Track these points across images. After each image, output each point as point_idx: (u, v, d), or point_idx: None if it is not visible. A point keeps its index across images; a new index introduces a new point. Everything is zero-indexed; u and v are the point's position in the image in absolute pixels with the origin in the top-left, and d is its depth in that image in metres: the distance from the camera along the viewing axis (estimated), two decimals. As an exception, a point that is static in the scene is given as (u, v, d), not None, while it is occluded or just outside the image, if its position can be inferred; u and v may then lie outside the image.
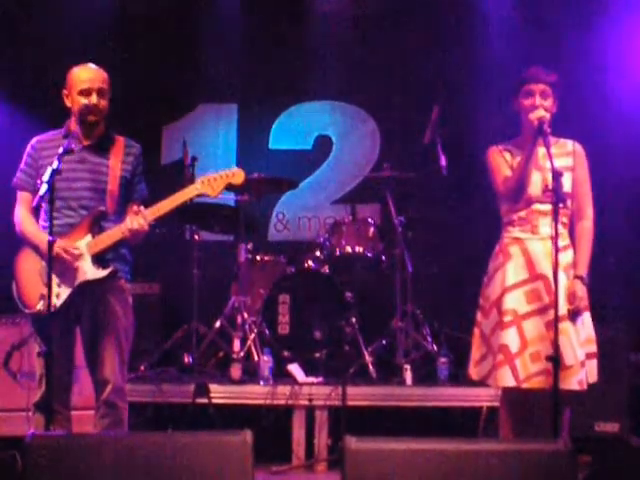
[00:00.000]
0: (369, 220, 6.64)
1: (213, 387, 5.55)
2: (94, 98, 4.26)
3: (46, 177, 3.86)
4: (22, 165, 4.35)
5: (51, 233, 3.92)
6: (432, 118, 6.29)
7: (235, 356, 5.85)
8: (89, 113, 4.26)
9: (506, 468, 3.32)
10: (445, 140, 6.28)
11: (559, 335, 3.88)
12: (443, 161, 6.15)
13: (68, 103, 4.33)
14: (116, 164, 4.31)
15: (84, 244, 4.18)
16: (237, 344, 5.92)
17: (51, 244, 3.88)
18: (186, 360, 6.15)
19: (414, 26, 7.54)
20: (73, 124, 4.33)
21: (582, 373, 4.08)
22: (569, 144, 4.34)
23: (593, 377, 4.20)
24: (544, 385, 4.04)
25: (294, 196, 7.61)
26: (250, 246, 6.63)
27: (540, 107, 4.16)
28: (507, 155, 4.32)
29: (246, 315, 6.26)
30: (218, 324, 6.37)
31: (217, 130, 7.99)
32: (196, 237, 6.57)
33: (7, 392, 5.29)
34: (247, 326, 6.21)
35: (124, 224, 4.19)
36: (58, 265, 4.09)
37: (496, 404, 4.73)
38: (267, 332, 6.16)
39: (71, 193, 4.20)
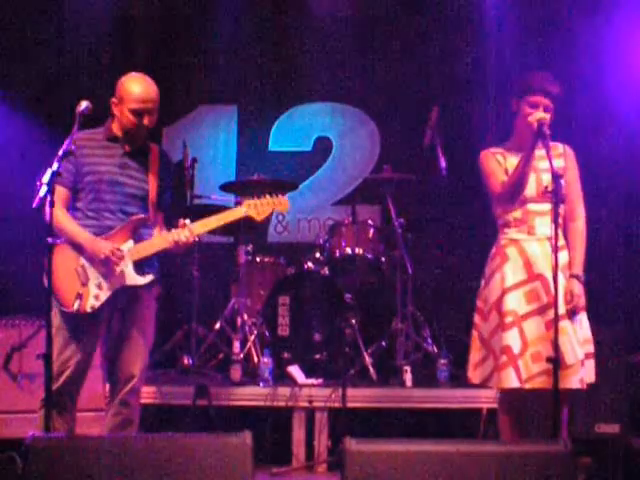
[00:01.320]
0: (369, 222, 6.64)
1: (213, 389, 5.55)
2: (146, 119, 4.26)
3: (46, 179, 3.84)
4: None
5: (51, 235, 3.87)
6: (432, 120, 6.28)
7: (235, 358, 5.85)
8: (140, 132, 4.28)
9: (506, 470, 3.32)
10: (445, 142, 6.28)
11: (559, 334, 3.89)
12: (443, 163, 6.14)
13: (116, 112, 4.30)
14: (154, 174, 4.35)
15: (126, 249, 4.20)
16: (237, 346, 5.92)
17: (51, 247, 3.85)
18: (186, 362, 6.15)
19: (414, 28, 7.55)
20: (117, 129, 4.32)
21: (582, 372, 4.10)
22: (559, 146, 4.36)
23: (591, 377, 4.21)
24: (546, 385, 4.04)
25: (294, 198, 7.55)
26: (250, 248, 6.63)
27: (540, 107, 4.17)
28: (500, 158, 4.33)
29: (246, 316, 6.26)
30: (218, 326, 6.37)
31: (217, 132, 7.99)
32: (196, 239, 6.54)
33: (7, 394, 5.27)
34: (247, 328, 6.21)
35: (170, 235, 4.25)
36: (101, 266, 4.14)
37: (496, 405, 4.73)
38: (267, 334, 6.16)
39: (111, 196, 4.22)
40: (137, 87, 4.27)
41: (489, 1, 7.35)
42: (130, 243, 4.23)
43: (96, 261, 4.14)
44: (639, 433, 5.41)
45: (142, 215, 4.27)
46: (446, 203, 7.08)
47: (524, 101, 4.24)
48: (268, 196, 4.47)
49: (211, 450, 3.35)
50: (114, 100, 4.30)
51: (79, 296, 4.10)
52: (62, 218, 4.16)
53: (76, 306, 4.09)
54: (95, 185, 4.23)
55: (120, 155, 4.29)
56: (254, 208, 4.41)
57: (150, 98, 4.28)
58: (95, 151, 4.28)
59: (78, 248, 4.17)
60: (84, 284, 4.14)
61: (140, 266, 4.24)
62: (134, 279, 4.22)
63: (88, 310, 4.11)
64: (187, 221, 4.28)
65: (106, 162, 4.25)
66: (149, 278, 4.26)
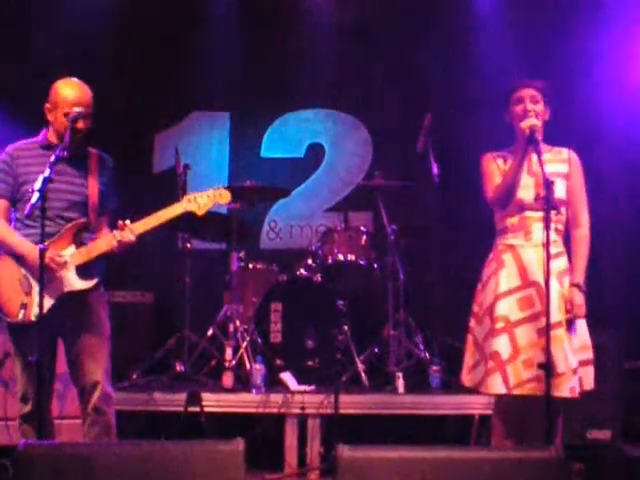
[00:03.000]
0: (361, 228, 6.64)
1: (205, 395, 5.54)
2: (82, 124, 4.24)
3: (38, 185, 3.85)
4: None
5: (42, 241, 3.90)
6: (424, 126, 6.29)
7: (227, 364, 5.84)
8: (76, 136, 4.24)
9: (499, 476, 3.32)
10: (437, 148, 6.29)
11: (551, 342, 3.89)
12: (435, 169, 6.14)
13: (50, 118, 4.30)
14: (94, 178, 4.33)
15: (68, 255, 4.19)
16: (229, 352, 5.92)
17: (42, 252, 3.86)
18: (178, 368, 6.14)
19: (407, 34, 7.55)
20: (52, 136, 4.33)
21: (574, 380, 4.08)
22: (564, 151, 4.37)
23: (589, 384, 4.20)
24: (536, 392, 4.04)
25: (286, 204, 7.62)
26: (242, 254, 6.63)
27: (532, 113, 4.20)
28: (500, 162, 4.34)
29: (238, 323, 6.26)
30: (210, 332, 6.37)
31: (210, 138, 7.99)
32: (188, 245, 6.56)
33: (-2, 401, 5.26)
34: (239, 334, 6.21)
35: (111, 237, 4.23)
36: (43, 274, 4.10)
37: (489, 412, 4.74)
38: (259, 340, 6.15)
39: (49, 203, 4.12)
40: (70, 91, 4.27)
41: (483, 9, 7.37)
42: (72, 248, 4.22)
43: (37, 269, 4.08)
44: (633, 439, 5.41)
45: (82, 219, 4.26)
46: (438, 210, 7.09)
47: (511, 103, 4.28)
48: (210, 189, 4.45)
49: (203, 457, 3.34)
50: (48, 106, 4.30)
51: (23, 306, 4.11)
52: (4, 230, 4.21)
53: (21, 316, 4.09)
54: (31, 194, 4.14)
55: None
56: (194, 202, 4.37)
57: (84, 102, 4.26)
58: (31, 160, 4.27)
59: (19, 258, 4.18)
60: (27, 293, 4.14)
61: (84, 270, 4.22)
62: (77, 284, 4.20)
63: (32, 319, 4.08)
64: (127, 221, 4.25)
65: (40, 170, 4.10)
66: (93, 282, 4.24)
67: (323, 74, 7.68)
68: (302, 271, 6.48)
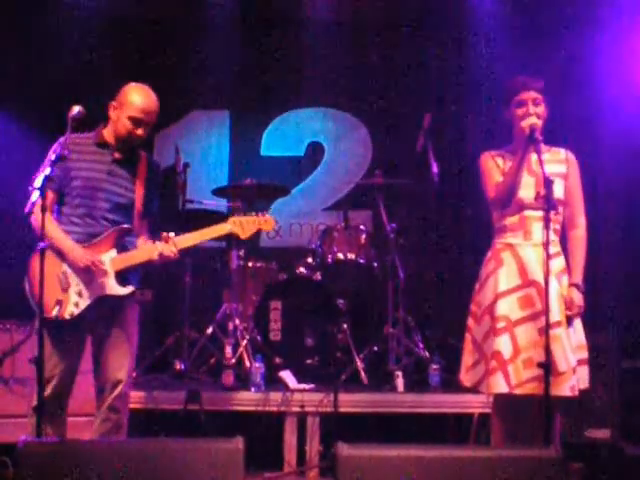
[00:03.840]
0: (361, 227, 6.65)
1: (205, 394, 5.54)
2: (141, 130, 4.28)
3: (38, 183, 3.84)
4: (46, 164, 4.25)
5: (42, 240, 3.86)
6: (424, 125, 6.30)
7: (227, 363, 5.84)
8: (131, 141, 4.28)
9: (497, 475, 3.33)
10: (437, 147, 6.29)
11: (552, 341, 3.90)
12: (435, 168, 6.15)
13: (112, 116, 4.31)
14: (141, 183, 4.34)
15: (108, 259, 4.19)
16: (229, 351, 5.91)
17: (42, 251, 3.84)
18: (178, 367, 6.14)
19: (406, 33, 7.56)
20: (109, 135, 4.33)
21: (574, 379, 4.09)
22: (562, 152, 4.38)
23: (584, 383, 4.21)
24: (537, 391, 4.04)
25: (286, 202, 7.62)
26: (242, 253, 6.62)
27: (533, 115, 4.19)
28: (499, 161, 4.34)
29: (238, 322, 6.26)
30: (210, 330, 6.36)
31: (209, 136, 8.00)
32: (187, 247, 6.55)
33: (-1, 398, 5.27)
34: (239, 333, 6.21)
35: (154, 248, 4.24)
36: (83, 274, 4.14)
37: (488, 411, 4.74)
38: (259, 339, 6.16)
39: (96, 203, 4.20)
40: (140, 97, 4.31)
41: (482, 9, 7.37)
42: (113, 252, 4.22)
43: (78, 268, 4.13)
44: (632, 439, 5.42)
45: (127, 225, 4.27)
46: (438, 208, 7.10)
47: (512, 104, 4.28)
48: (254, 214, 4.47)
49: (202, 455, 3.35)
50: (114, 104, 4.31)
51: (59, 302, 4.10)
52: (49, 224, 4.12)
53: (55, 312, 4.08)
54: (81, 191, 4.22)
55: (109, 162, 4.28)
56: (239, 226, 4.40)
57: (150, 110, 4.31)
58: (84, 156, 4.27)
59: (61, 254, 4.17)
60: (65, 290, 4.14)
61: (122, 276, 4.23)
62: (115, 289, 4.20)
63: (66, 317, 4.10)
64: (172, 234, 4.27)
65: (94, 168, 4.23)
66: (130, 289, 4.24)
67: (323, 72, 7.70)
68: (302, 269, 6.48)
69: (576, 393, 4.10)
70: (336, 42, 7.65)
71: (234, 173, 7.79)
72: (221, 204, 6.74)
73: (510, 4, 7.26)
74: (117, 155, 4.31)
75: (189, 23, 7.65)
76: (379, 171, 6.54)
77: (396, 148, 7.40)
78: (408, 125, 6.80)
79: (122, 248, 4.26)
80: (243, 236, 4.42)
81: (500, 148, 4.42)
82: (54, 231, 4.16)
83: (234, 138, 7.99)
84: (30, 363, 3.95)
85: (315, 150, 7.96)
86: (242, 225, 4.41)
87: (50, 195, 4.15)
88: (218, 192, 6.67)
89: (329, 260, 6.45)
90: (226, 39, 7.63)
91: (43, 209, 3.82)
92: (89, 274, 4.14)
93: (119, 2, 7.46)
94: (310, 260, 6.56)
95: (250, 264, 6.64)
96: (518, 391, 4.09)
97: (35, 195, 3.82)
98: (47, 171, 3.88)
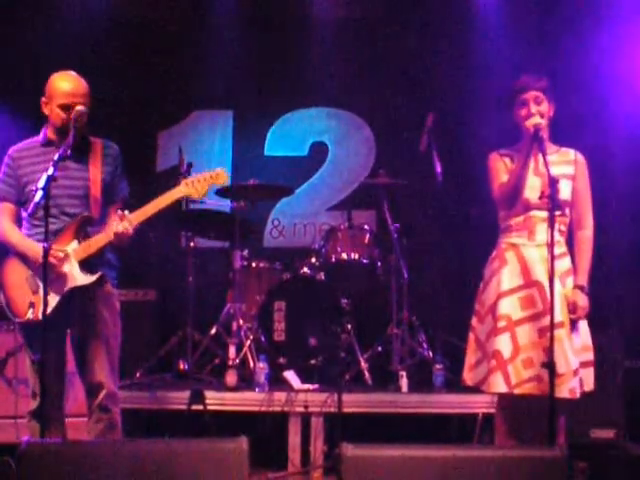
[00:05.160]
0: (365, 227, 6.63)
1: (209, 394, 5.54)
2: (76, 114, 4.22)
3: (42, 183, 3.84)
4: (1, 176, 4.35)
5: (46, 240, 3.89)
6: (427, 125, 6.30)
7: (231, 363, 5.84)
8: (69, 129, 4.21)
9: (502, 475, 3.32)
10: (440, 147, 6.29)
11: (553, 343, 3.88)
12: (438, 168, 6.15)
13: (46, 111, 4.30)
14: (96, 168, 4.30)
15: (70, 250, 4.18)
16: (232, 351, 5.91)
17: (46, 250, 3.86)
18: (181, 367, 6.14)
19: (409, 33, 7.55)
20: (50, 132, 4.33)
21: (574, 381, 4.07)
22: (571, 153, 4.36)
23: (589, 385, 4.19)
24: (536, 391, 4.04)
25: (290, 203, 7.62)
26: (246, 253, 6.63)
27: (536, 114, 4.19)
28: (507, 160, 4.33)
29: (241, 322, 6.26)
30: (214, 331, 6.37)
31: (213, 137, 7.99)
32: (191, 244, 6.56)
33: (2, 399, 5.26)
34: (242, 333, 6.21)
35: (109, 228, 4.20)
36: (47, 272, 4.09)
37: (492, 411, 4.73)
38: (263, 339, 6.15)
39: (52, 200, 4.11)
40: (65, 82, 4.26)
41: (487, 6, 7.36)
42: (74, 244, 4.20)
43: (40, 267, 4.08)
44: (635, 438, 5.41)
45: (85, 214, 4.24)
46: (442, 208, 7.08)
47: (516, 105, 4.28)
48: (206, 171, 4.40)
49: (207, 455, 3.35)
50: (44, 100, 4.30)
51: (31, 305, 4.11)
52: (9, 231, 4.23)
53: (29, 315, 4.09)
54: (35, 193, 4.14)
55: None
56: (192, 186, 4.31)
57: (78, 92, 4.25)
58: (32, 159, 4.28)
59: (25, 258, 4.19)
60: (35, 292, 4.13)
61: (87, 265, 4.20)
62: (82, 279, 4.18)
63: (40, 317, 4.05)
64: (126, 212, 4.20)
65: (43, 168, 4.12)
66: (96, 276, 4.21)
67: (326, 72, 7.68)
68: (305, 269, 6.47)
69: (576, 395, 4.08)
70: (340, 41, 7.64)
71: (238, 173, 7.76)
72: (224, 204, 6.74)
73: (514, 2, 7.25)
74: (67, 153, 4.23)
75: (192, 23, 7.65)
76: (383, 171, 6.54)
77: (400, 148, 7.38)
78: (412, 124, 6.78)
79: (84, 238, 4.22)
80: (197, 195, 4.33)
81: (509, 147, 4.40)
82: (14, 237, 4.23)
83: (238, 138, 7.99)
84: (33, 364, 3.97)
85: (319, 150, 7.95)
86: (194, 185, 4.31)
87: (9, 206, 4.28)
88: (221, 192, 6.65)
89: (333, 260, 6.44)
90: (229, 39, 7.63)
91: (45, 209, 3.83)
92: (53, 270, 4.10)
93: (121, 1, 7.46)
94: (314, 260, 6.55)
95: (254, 264, 6.64)
96: (517, 391, 4.09)
97: (38, 195, 3.84)
98: (50, 171, 3.89)
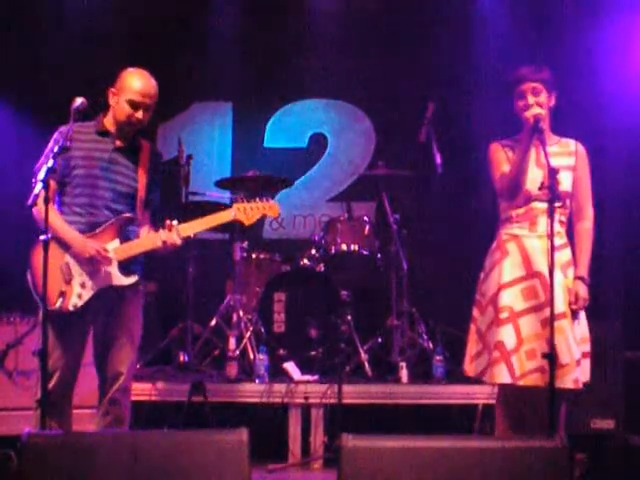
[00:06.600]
0: (364, 218, 6.63)
1: (209, 385, 5.54)
2: (141, 114, 4.24)
3: (41, 175, 3.81)
4: (48, 152, 4.19)
5: (45, 232, 3.82)
6: (427, 116, 6.29)
7: (231, 354, 5.85)
8: (130, 125, 4.24)
9: (502, 465, 3.32)
10: (440, 138, 6.28)
11: (555, 333, 3.88)
12: (438, 159, 6.15)
13: (111, 102, 4.27)
14: (145, 171, 4.30)
15: (111, 248, 4.16)
16: (233, 342, 5.92)
17: (46, 243, 3.81)
18: (182, 358, 6.15)
19: (409, 24, 7.53)
20: (109, 123, 4.30)
21: (577, 371, 4.07)
22: (572, 144, 4.35)
23: (586, 377, 4.19)
24: (539, 382, 4.04)
25: (289, 194, 7.60)
26: (245, 244, 6.62)
27: (534, 105, 4.17)
28: (508, 151, 4.32)
29: (242, 313, 6.26)
30: (214, 322, 6.37)
31: (212, 128, 7.98)
32: (191, 235, 6.54)
33: (2, 391, 5.26)
34: (243, 324, 6.21)
35: (158, 237, 4.19)
36: (86, 265, 4.10)
37: (492, 401, 4.73)
38: (263, 330, 6.16)
39: (98, 192, 4.16)
40: (139, 80, 4.27)
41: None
42: (116, 242, 4.18)
43: (81, 259, 4.10)
44: (635, 429, 5.41)
45: (129, 214, 4.23)
46: (441, 199, 7.08)
47: (515, 96, 4.27)
48: (258, 200, 4.43)
49: (207, 447, 3.35)
50: (112, 90, 4.27)
51: (62, 294, 4.07)
52: (50, 214, 4.05)
53: (58, 304, 4.05)
54: (82, 180, 4.17)
55: (110, 150, 4.24)
56: (243, 212, 4.36)
57: (149, 94, 4.27)
58: (85, 145, 4.22)
59: (64, 245, 4.12)
60: (68, 282, 4.10)
61: (125, 266, 4.19)
62: (119, 279, 4.17)
63: (70, 309, 4.07)
64: (175, 222, 4.22)
65: (95, 156, 4.18)
66: (134, 278, 4.21)
67: (325, 64, 7.68)
68: (305, 261, 6.48)
69: (580, 386, 4.08)
70: (338, 32, 7.62)
71: (237, 165, 7.78)
72: (224, 196, 6.74)
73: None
74: (119, 143, 4.26)
75: (191, 14, 7.62)
76: (382, 162, 6.54)
77: (399, 139, 7.37)
78: (411, 115, 6.77)
79: (125, 238, 4.21)
80: (247, 222, 4.37)
81: (510, 137, 4.38)
82: (57, 222, 4.11)
83: (237, 130, 7.98)
84: (34, 355, 3.95)
85: (318, 141, 7.95)
86: (246, 211, 4.37)
87: (52, 185, 4.08)
88: (221, 184, 6.66)
89: (333, 251, 6.44)
90: (229, 31, 7.62)
91: (46, 201, 3.78)
92: (92, 265, 4.10)
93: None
94: (314, 252, 6.55)
95: (254, 256, 6.64)
96: (521, 382, 4.08)
97: (38, 187, 3.79)
98: (50, 163, 3.86)
